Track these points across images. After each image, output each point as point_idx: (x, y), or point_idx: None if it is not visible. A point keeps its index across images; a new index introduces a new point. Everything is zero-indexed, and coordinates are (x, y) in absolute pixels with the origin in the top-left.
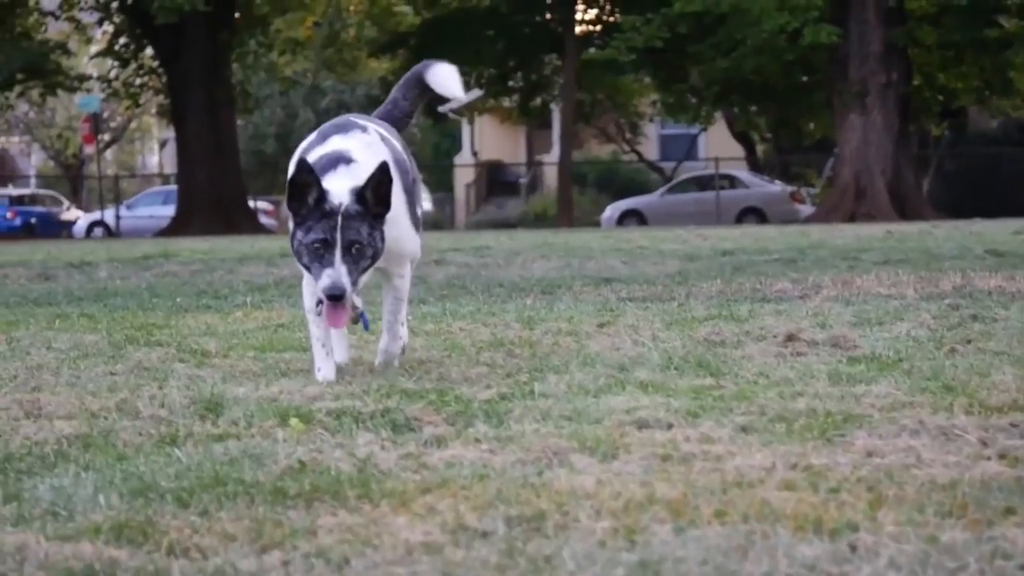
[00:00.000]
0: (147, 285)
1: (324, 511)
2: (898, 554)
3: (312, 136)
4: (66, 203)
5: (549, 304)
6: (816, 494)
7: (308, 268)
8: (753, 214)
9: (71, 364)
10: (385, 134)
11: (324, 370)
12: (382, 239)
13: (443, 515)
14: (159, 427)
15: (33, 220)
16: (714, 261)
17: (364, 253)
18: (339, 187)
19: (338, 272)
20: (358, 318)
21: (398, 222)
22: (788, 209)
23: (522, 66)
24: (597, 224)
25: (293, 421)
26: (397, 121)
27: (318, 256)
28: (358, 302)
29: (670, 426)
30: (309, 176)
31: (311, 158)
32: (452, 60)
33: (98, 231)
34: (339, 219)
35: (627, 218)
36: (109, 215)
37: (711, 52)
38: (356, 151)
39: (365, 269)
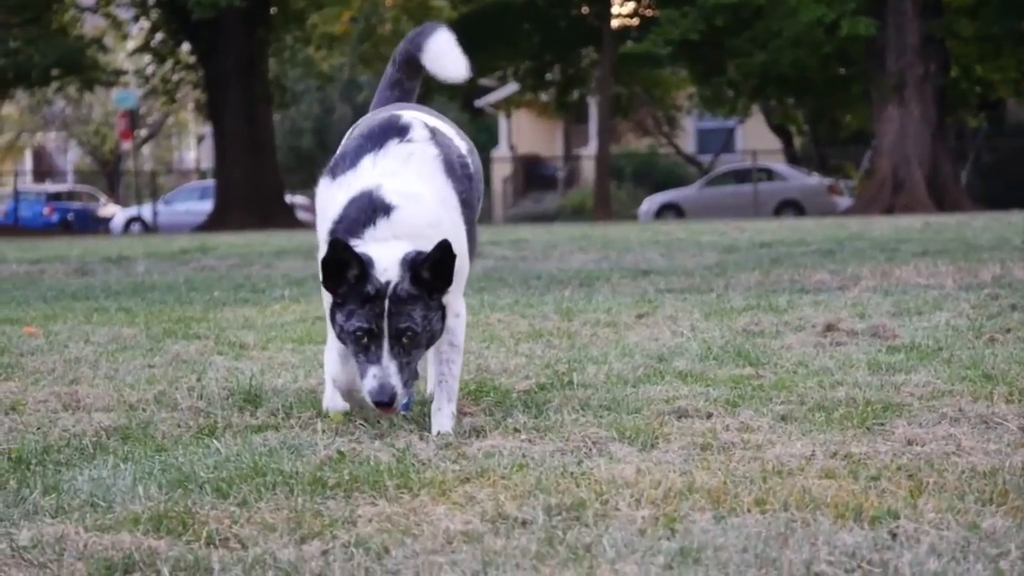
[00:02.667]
0: (185, 279)
1: (363, 501)
2: (939, 541)
3: (347, 141)
4: (103, 199)
5: (587, 296)
6: (856, 482)
7: (354, 356)
8: (791, 207)
9: (109, 357)
10: (441, 127)
11: (335, 404)
12: (442, 319)
13: (482, 504)
14: (198, 418)
15: (70, 216)
16: (752, 253)
17: (418, 342)
18: (385, 256)
19: (386, 372)
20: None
21: (454, 244)
22: (826, 201)
23: (559, 60)
24: (635, 217)
25: (332, 412)
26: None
27: (362, 347)
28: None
29: (709, 415)
30: (345, 253)
31: (342, 196)
32: (489, 54)
33: (135, 226)
34: (386, 303)
35: (665, 211)
36: (146, 210)
37: (748, 45)
38: (388, 183)
39: (420, 356)
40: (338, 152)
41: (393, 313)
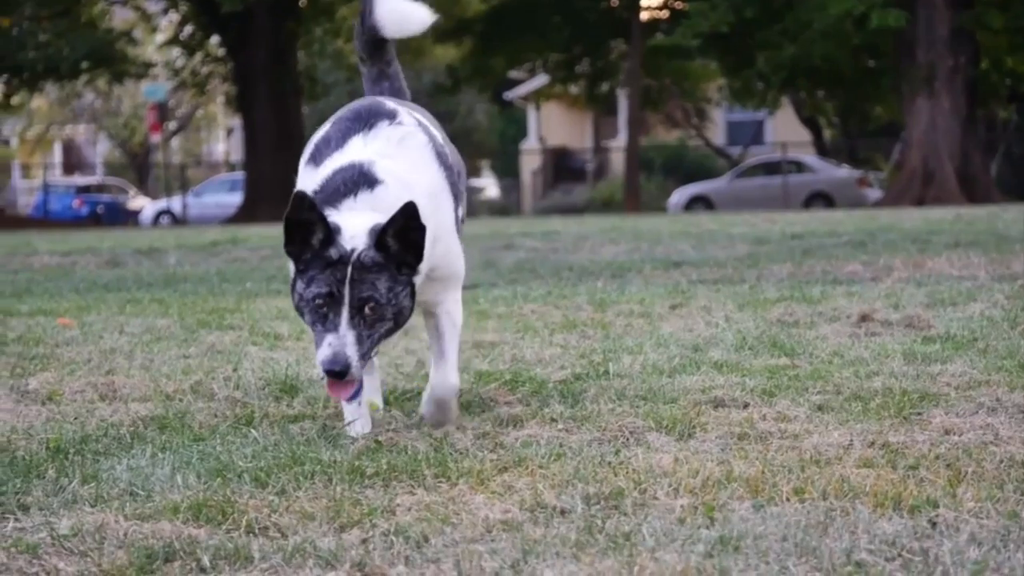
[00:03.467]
0: (216, 271)
1: (402, 490)
2: (979, 530)
3: (327, 128)
4: (132, 191)
5: (620, 287)
6: (895, 471)
7: (311, 327)
8: (821, 199)
9: (144, 347)
10: (423, 119)
11: (357, 423)
12: (410, 296)
13: (521, 493)
14: (234, 408)
15: (100, 208)
16: (784, 244)
17: (382, 314)
18: (354, 225)
19: (342, 340)
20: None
21: (443, 236)
22: (856, 194)
23: (588, 52)
24: (664, 210)
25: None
26: (404, 94)
27: (320, 316)
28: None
29: (746, 405)
30: (310, 213)
31: (323, 170)
32: (518, 46)
33: (165, 219)
34: (349, 269)
35: (694, 203)
36: (176, 203)
37: (778, 37)
38: (382, 162)
39: (383, 336)
40: (316, 140)
41: (355, 280)
